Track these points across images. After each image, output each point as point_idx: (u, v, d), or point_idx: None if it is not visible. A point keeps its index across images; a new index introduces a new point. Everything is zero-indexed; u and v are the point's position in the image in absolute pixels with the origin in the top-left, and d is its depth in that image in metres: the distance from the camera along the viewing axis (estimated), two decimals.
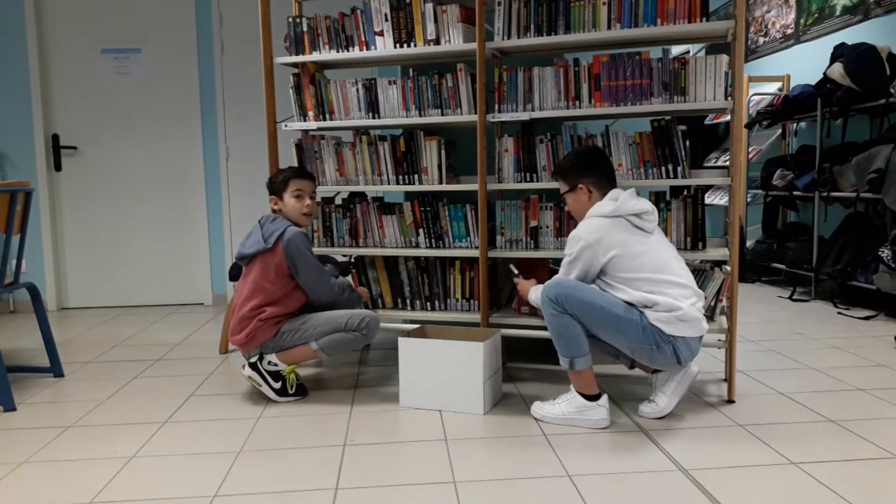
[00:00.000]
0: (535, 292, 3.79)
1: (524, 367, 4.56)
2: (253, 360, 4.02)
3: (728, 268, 3.85)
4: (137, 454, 3.28)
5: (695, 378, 3.64)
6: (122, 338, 5.79)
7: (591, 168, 3.63)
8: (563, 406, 3.55)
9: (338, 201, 4.68)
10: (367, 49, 4.41)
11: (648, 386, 3.75)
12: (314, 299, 4.07)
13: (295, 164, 4.55)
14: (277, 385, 3.98)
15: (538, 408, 3.64)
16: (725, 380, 3.99)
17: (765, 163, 7.64)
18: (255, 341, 3.97)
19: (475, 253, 4.30)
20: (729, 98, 3.80)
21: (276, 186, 4.10)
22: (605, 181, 3.62)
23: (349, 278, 4.52)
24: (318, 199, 4.56)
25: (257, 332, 3.95)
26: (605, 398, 3.52)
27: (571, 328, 3.40)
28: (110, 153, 7.11)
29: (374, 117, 4.45)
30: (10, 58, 6.87)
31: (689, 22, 3.80)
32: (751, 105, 7.99)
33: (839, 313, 6.02)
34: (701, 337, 3.47)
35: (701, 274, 3.97)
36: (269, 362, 3.99)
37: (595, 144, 4.03)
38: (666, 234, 3.96)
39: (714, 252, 3.92)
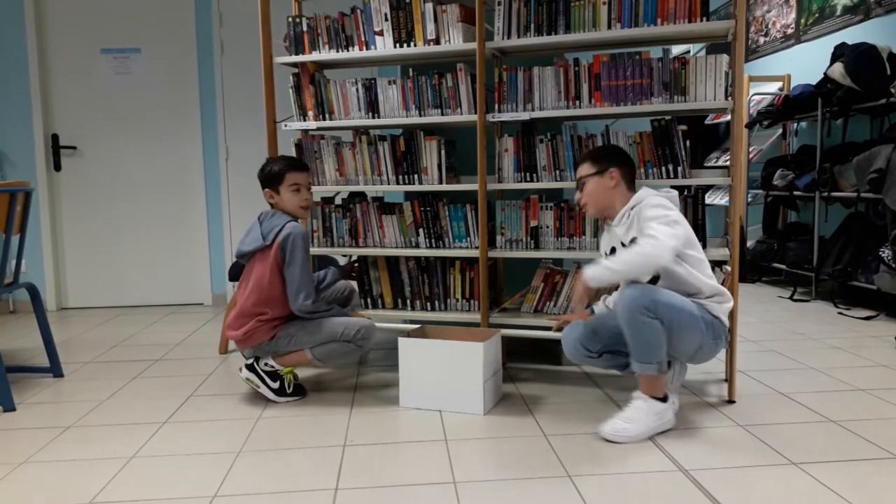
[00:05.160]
0: (594, 269, 3.27)
1: (524, 367, 4.56)
2: (249, 361, 4.02)
3: (728, 268, 3.85)
4: (137, 454, 3.28)
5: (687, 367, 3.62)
6: (121, 338, 5.79)
7: (625, 162, 3.55)
8: (648, 420, 3.36)
9: (338, 201, 4.68)
10: (367, 49, 4.41)
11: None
12: (291, 301, 3.94)
13: None
14: (275, 385, 3.98)
15: (616, 430, 3.34)
16: (726, 380, 3.99)
17: (765, 163, 7.65)
18: (252, 341, 3.96)
19: (475, 253, 4.30)
20: (729, 98, 3.80)
21: (272, 179, 4.04)
22: (633, 179, 3.57)
23: (351, 283, 4.52)
24: (318, 199, 4.57)
25: (255, 332, 3.94)
26: (673, 397, 3.48)
27: (660, 335, 3.25)
28: (110, 153, 7.12)
29: (373, 117, 4.45)
30: (9, 57, 6.88)
31: (690, 21, 3.80)
32: (751, 105, 8.00)
33: (840, 313, 6.02)
34: None
35: None
36: (266, 363, 3.99)
37: None
38: None
39: (714, 252, 3.91)
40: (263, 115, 4.56)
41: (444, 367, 3.73)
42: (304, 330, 3.95)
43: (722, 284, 3.87)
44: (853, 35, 6.66)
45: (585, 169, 3.57)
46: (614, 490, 2.80)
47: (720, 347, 3.45)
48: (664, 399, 3.42)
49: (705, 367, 4.43)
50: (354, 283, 4.60)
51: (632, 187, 3.53)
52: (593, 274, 3.24)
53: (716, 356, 3.48)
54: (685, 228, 3.32)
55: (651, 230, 3.20)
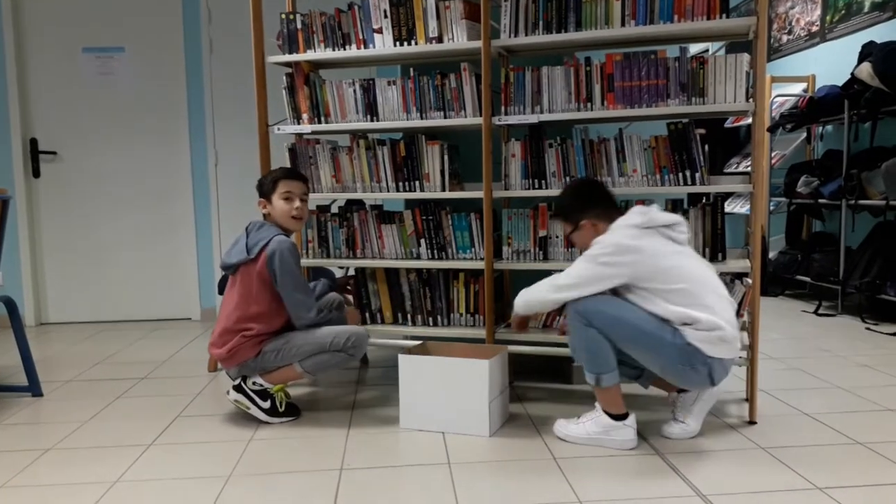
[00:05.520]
0: (523, 296, 3.70)
1: (533, 386, 4.55)
2: (237, 382, 4.01)
3: (749, 280, 3.85)
4: (121, 479, 3.28)
5: (718, 396, 3.62)
6: (104, 355, 5.79)
7: (591, 201, 3.64)
8: (589, 425, 3.55)
9: (334, 210, 4.69)
10: (365, 47, 4.42)
11: (663, 404, 3.74)
12: (294, 319, 4.01)
13: None
14: (266, 404, 3.97)
15: (561, 426, 3.64)
16: (747, 400, 3.99)
17: (788, 169, 7.64)
18: (237, 358, 3.96)
19: (480, 265, 4.29)
20: (750, 100, 3.80)
21: (265, 188, 4.08)
22: (610, 210, 3.61)
23: (341, 296, 4.50)
24: (313, 207, 4.57)
25: (239, 349, 3.93)
26: (632, 418, 3.51)
27: (598, 342, 3.38)
28: (92, 158, 7.11)
29: (372, 120, 4.45)
30: None
31: (708, 18, 3.80)
32: (773, 107, 8.00)
33: (867, 329, 6.02)
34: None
35: None
36: (254, 382, 3.98)
37: (588, 176, 4.06)
38: None
39: (734, 264, 3.91)
40: (255, 117, 4.55)
41: (448, 386, 3.72)
42: (291, 343, 3.95)
43: (742, 298, 3.88)
44: (882, 33, 6.66)
45: (564, 227, 3.82)
46: None
47: (703, 376, 3.38)
48: (619, 417, 3.49)
49: (724, 386, 4.41)
50: (345, 297, 4.58)
51: (611, 218, 3.55)
52: (517, 301, 3.71)
53: (709, 384, 3.44)
54: (632, 264, 3.38)
55: (571, 267, 3.49)
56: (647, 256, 3.36)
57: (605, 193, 3.69)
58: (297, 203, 4.07)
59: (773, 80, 8.11)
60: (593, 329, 3.37)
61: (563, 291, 3.48)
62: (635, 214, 3.48)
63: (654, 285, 3.37)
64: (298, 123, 4.59)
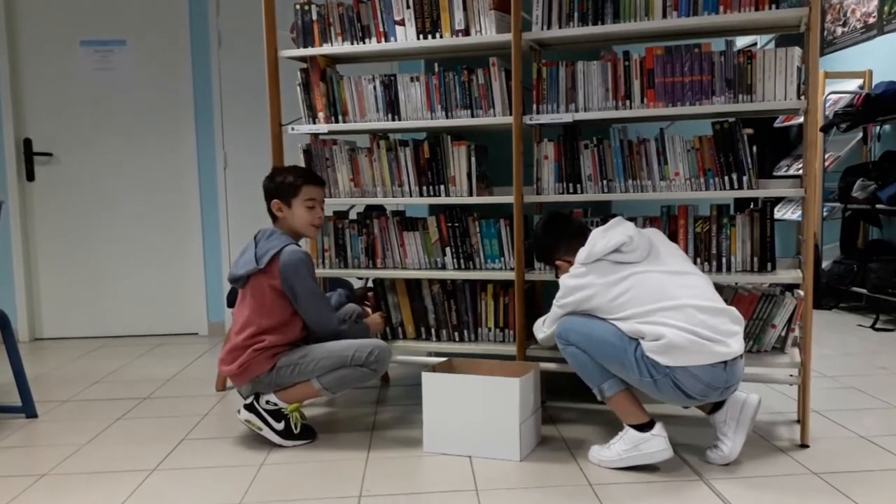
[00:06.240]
0: (537, 332, 4.09)
1: (567, 406, 4.56)
2: (249, 401, 4.03)
3: (801, 292, 3.85)
4: None
5: (757, 410, 3.62)
6: (104, 373, 5.82)
7: (555, 241, 3.94)
8: (618, 446, 3.61)
9: (352, 216, 4.71)
10: (386, 40, 4.44)
11: (706, 426, 3.75)
12: (313, 330, 4.08)
13: None
14: (280, 426, 3.99)
15: (595, 452, 3.71)
16: (798, 421, 3.99)
17: (843, 171, 7.60)
18: (249, 374, 3.97)
19: (510, 275, 4.31)
20: (802, 97, 3.81)
21: (284, 190, 4.06)
22: (575, 242, 3.79)
23: (359, 308, 4.52)
24: (330, 213, 4.59)
25: (252, 363, 3.95)
26: (659, 426, 3.55)
27: (580, 357, 3.61)
28: (90, 160, 7.13)
29: (393, 119, 4.48)
30: None
31: (757, 9, 3.81)
32: (827, 105, 7.97)
33: None
34: (726, 363, 3.43)
35: (770, 299, 3.97)
36: (268, 401, 3.99)
37: (553, 212, 4.11)
38: (730, 253, 3.99)
39: (785, 274, 3.92)
40: (267, 116, 4.58)
41: (475, 406, 3.74)
42: (309, 357, 3.96)
43: (793, 312, 3.89)
44: None
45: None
46: None
47: (669, 388, 3.43)
48: (646, 426, 3.56)
49: (773, 406, 4.42)
50: (362, 309, 4.59)
51: (577, 247, 3.74)
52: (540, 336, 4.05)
53: (684, 398, 3.46)
54: (582, 301, 3.65)
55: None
56: (593, 291, 3.60)
57: (565, 229, 3.94)
58: (320, 212, 4.11)
59: (827, 75, 8.08)
60: (572, 346, 3.64)
61: (541, 332, 4.00)
62: (583, 250, 3.69)
63: (603, 315, 3.59)
64: (314, 123, 4.61)
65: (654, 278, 3.55)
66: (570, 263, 3.75)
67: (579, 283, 3.62)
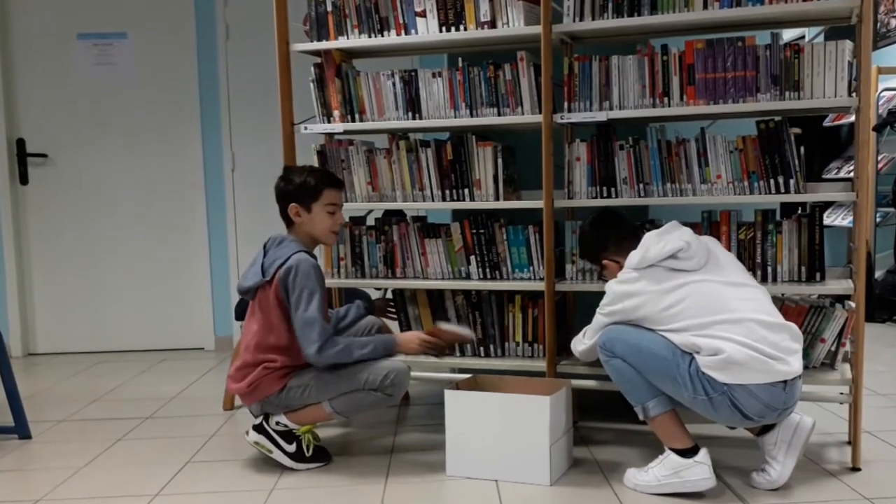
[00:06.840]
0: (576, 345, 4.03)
1: (600, 426, 4.57)
2: (258, 421, 4.04)
3: (852, 304, 3.85)
4: None
5: (810, 434, 3.62)
6: (102, 391, 5.84)
7: (604, 238, 3.93)
8: (657, 470, 3.60)
9: (370, 221, 4.73)
10: (406, 33, 4.44)
11: (754, 448, 3.75)
12: (304, 356, 3.92)
13: None
14: (291, 448, 4.00)
15: (631, 476, 3.71)
16: (849, 442, 3.98)
17: None
18: (258, 393, 3.98)
19: (539, 286, 4.31)
20: (853, 94, 3.81)
21: (304, 193, 4.03)
22: (626, 242, 3.81)
23: (380, 320, 4.52)
24: (346, 218, 4.58)
25: (261, 382, 3.95)
26: (704, 453, 3.54)
27: (627, 372, 3.58)
28: (88, 162, 7.16)
29: (414, 117, 4.49)
30: None
31: None
32: (880, 103, 7.95)
33: None
34: (786, 383, 3.43)
35: (819, 312, 3.96)
36: (277, 422, 4.00)
37: (604, 210, 4.12)
38: (776, 262, 3.98)
39: (835, 285, 3.92)
40: (278, 115, 4.60)
41: (502, 427, 3.75)
42: (320, 379, 3.95)
43: (844, 325, 3.89)
44: None
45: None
46: None
47: (726, 408, 3.42)
48: (689, 452, 3.54)
49: (822, 427, 4.41)
50: (382, 322, 4.61)
51: (628, 248, 3.76)
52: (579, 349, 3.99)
53: (742, 418, 3.46)
54: (632, 309, 3.63)
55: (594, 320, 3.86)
56: (645, 299, 3.58)
57: (616, 227, 3.94)
58: (340, 217, 4.12)
59: (880, 70, 8.01)
60: (617, 359, 3.61)
61: (581, 344, 3.93)
62: (635, 253, 3.67)
63: (653, 326, 3.57)
64: (329, 122, 4.62)
65: (712, 288, 3.54)
66: (618, 264, 3.78)
67: (630, 289, 3.62)
